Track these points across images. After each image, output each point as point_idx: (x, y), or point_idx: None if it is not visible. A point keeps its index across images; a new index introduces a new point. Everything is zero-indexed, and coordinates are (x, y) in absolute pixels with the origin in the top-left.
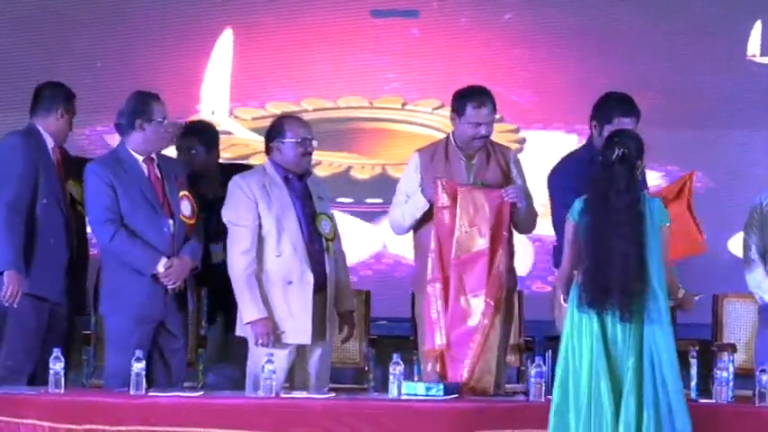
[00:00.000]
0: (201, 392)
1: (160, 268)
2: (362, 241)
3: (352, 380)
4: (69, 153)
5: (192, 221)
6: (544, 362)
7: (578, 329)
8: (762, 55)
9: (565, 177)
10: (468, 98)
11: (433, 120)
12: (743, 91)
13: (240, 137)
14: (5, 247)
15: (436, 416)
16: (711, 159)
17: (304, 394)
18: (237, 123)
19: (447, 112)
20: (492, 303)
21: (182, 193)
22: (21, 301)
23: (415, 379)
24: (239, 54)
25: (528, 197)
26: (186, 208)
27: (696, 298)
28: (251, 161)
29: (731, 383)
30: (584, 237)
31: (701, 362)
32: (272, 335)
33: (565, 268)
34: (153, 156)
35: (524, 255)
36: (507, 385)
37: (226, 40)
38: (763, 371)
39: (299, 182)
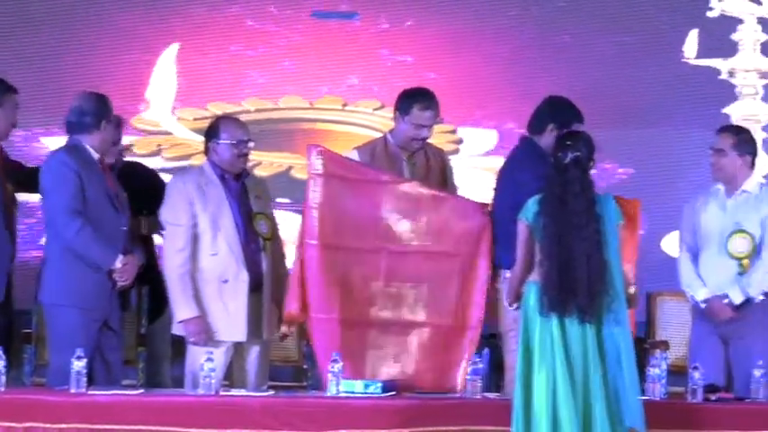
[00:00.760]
0: (141, 390)
1: (117, 264)
2: None
3: (291, 378)
4: (8, 155)
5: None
6: (481, 359)
7: (535, 331)
8: (696, 57)
9: (521, 172)
10: (415, 99)
11: (373, 120)
12: (676, 91)
13: (181, 137)
14: None
15: (374, 413)
16: (646, 158)
17: (243, 392)
18: (179, 123)
19: (387, 113)
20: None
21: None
22: None
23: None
24: (181, 55)
25: (452, 188)
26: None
27: (631, 290)
28: (192, 161)
29: (664, 380)
30: (543, 239)
31: (635, 359)
32: (204, 333)
33: (518, 270)
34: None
35: None
36: None
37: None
38: (695, 368)
39: (235, 182)
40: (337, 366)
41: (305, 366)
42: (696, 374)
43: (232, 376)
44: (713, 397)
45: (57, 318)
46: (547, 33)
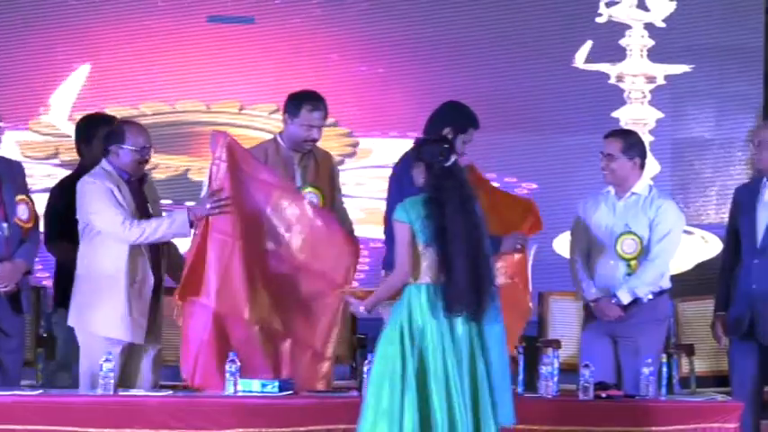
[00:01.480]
0: (40, 391)
1: None
2: None
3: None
4: None
5: (28, 225)
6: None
7: (426, 333)
8: (586, 62)
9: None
10: (303, 101)
11: (268, 123)
12: (567, 96)
13: None
14: None
15: (271, 412)
16: (537, 163)
17: (141, 392)
18: None
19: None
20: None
21: (19, 197)
22: None
23: None
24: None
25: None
26: (23, 212)
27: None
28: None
29: (556, 378)
30: (432, 241)
31: (527, 357)
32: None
33: (401, 272)
34: None
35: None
36: (341, 381)
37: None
38: (586, 366)
39: (135, 185)
40: (234, 366)
41: None
42: (587, 372)
43: (129, 376)
44: (603, 394)
45: None
46: (442, 41)
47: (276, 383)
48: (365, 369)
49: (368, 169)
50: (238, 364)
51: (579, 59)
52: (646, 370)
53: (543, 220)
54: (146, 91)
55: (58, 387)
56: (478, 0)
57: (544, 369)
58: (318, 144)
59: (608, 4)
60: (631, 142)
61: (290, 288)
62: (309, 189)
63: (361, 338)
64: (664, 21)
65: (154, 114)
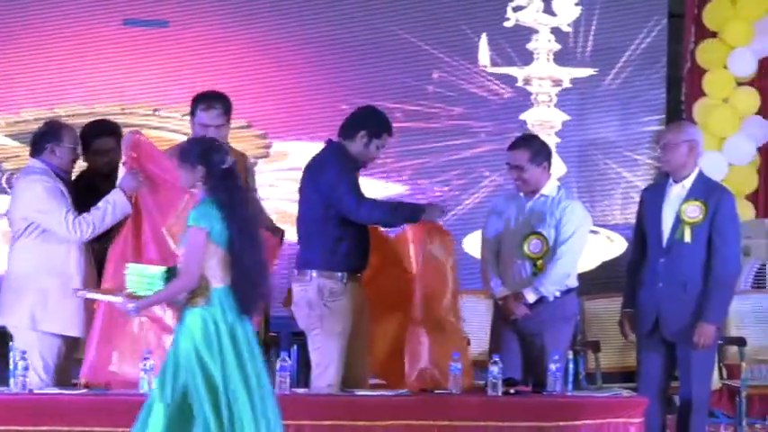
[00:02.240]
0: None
1: None
2: None
3: None
4: None
5: None
6: (289, 356)
7: (225, 335)
8: (495, 65)
9: (327, 173)
10: (198, 101)
11: (183, 125)
12: (474, 99)
13: None
14: None
15: None
16: (449, 166)
17: (55, 390)
18: None
19: None
20: None
21: None
22: None
23: None
24: None
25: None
26: None
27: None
28: (4, 165)
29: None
30: (227, 246)
31: None
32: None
33: (195, 277)
34: None
35: None
36: None
37: None
38: (494, 362)
39: (68, 182)
40: (149, 363)
41: None
42: (495, 369)
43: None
44: (512, 390)
45: None
46: (355, 44)
47: None
48: (277, 366)
49: (281, 171)
50: (152, 361)
51: (482, 57)
52: (553, 366)
53: (453, 218)
54: (62, 93)
55: None
56: (392, 3)
57: (453, 365)
58: (233, 145)
59: (515, 9)
60: (537, 149)
61: None
62: None
63: (273, 336)
64: (569, 25)
65: (69, 116)
